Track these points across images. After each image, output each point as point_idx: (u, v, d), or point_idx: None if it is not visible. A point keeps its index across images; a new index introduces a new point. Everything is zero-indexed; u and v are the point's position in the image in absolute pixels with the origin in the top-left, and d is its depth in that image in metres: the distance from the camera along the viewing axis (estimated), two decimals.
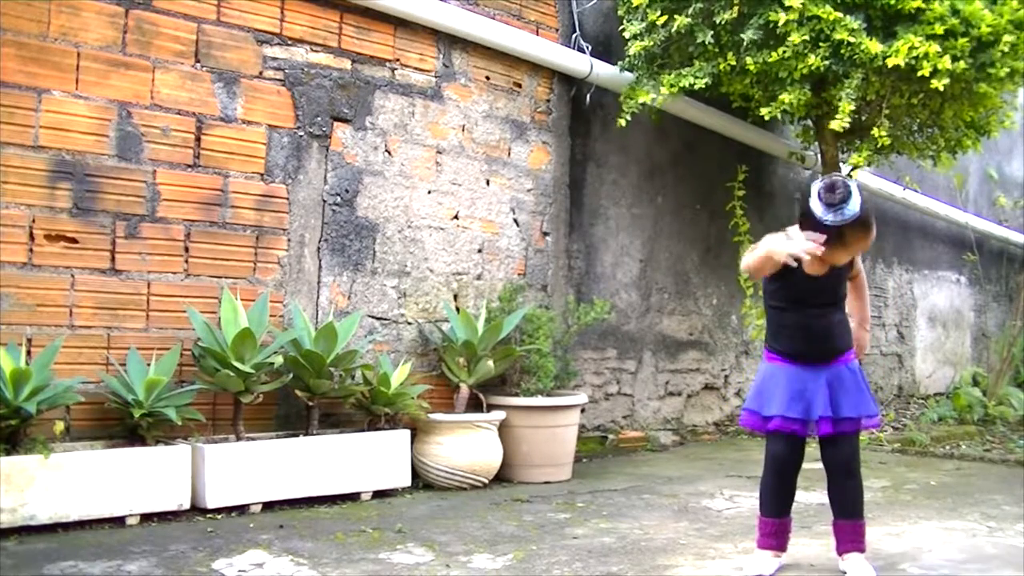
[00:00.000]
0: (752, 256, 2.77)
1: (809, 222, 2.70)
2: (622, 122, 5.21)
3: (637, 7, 5.12)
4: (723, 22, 4.85)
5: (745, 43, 4.82)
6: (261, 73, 4.09)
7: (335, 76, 4.32)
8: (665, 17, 4.98)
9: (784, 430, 2.85)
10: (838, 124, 4.82)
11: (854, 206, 2.67)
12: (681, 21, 4.89)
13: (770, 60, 4.83)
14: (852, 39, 4.63)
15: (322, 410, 4.04)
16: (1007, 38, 4.72)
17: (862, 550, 2.88)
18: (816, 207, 2.69)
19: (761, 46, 4.87)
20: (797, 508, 3.88)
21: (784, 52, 4.76)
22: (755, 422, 2.92)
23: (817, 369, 2.86)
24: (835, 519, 2.93)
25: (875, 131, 4.99)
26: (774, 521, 2.96)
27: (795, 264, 2.67)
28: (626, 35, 5.15)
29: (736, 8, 4.81)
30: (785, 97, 4.88)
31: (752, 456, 5.40)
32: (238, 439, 3.78)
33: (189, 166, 3.89)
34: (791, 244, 2.67)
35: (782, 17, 4.69)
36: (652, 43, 5.07)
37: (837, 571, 2.95)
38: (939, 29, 4.61)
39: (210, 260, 3.93)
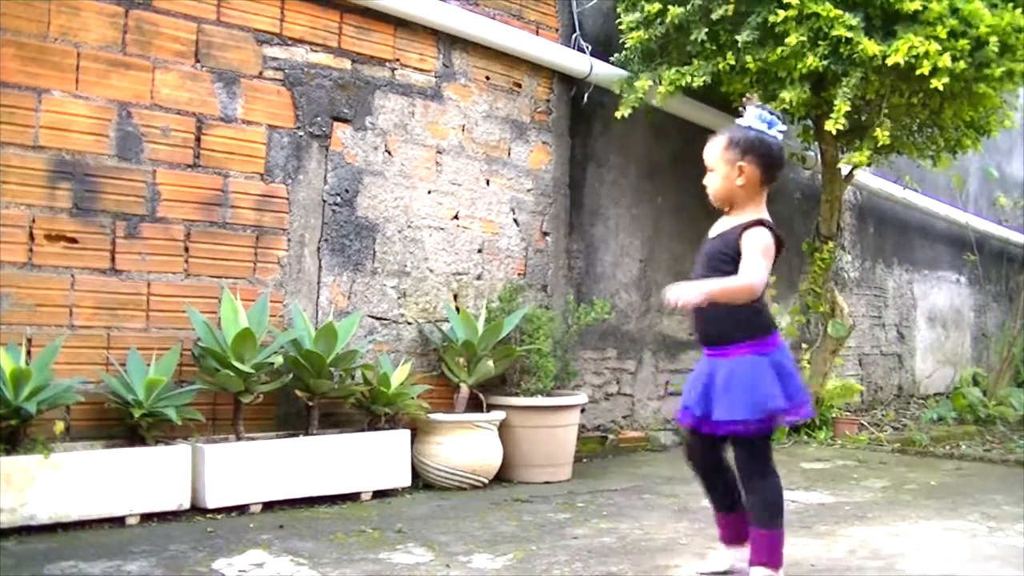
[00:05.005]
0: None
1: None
2: (620, 114, 5.15)
3: (635, 2, 5.12)
4: (720, 19, 4.85)
5: (741, 44, 4.82)
6: (261, 73, 4.09)
7: (335, 76, 4.32)
8: (659, 6, 4.95)
9: (681, 422, 2.79)
10: (833, 125, 4.82)
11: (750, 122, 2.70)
12: (674, 12, 4.88)
13: (770, 59, 4.82)
14: (851, 35, 4.63)
15: (322, 410, 4.04)
16: (992, 40, 4.71)
17: (768, 565, 2.63)
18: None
19: (759, 45, 4.86)
20: (797, 508, 3.90)
21: (783, 52, 4.76)
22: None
23: (709, 360, 2.69)
24: (748, 524, 2.75)
25: (876, 131, 4.99)
26: (716, 515, 2.87)
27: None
28: (622, 27, 5.15)
29: (732, 5, 4.80)
30: (784, 95, 4.88)
31: None
32: (238, 439, 3.78)
33: (189, 166, 3.89)
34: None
35: (780, 15, 4.68)
36: (649, 37, 5.06)
37: (837, 571, 2.95)
38: (942, 33, 4.60)
39: (210, 260, 3.93)
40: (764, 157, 2.68)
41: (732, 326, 2.64)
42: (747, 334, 2.64)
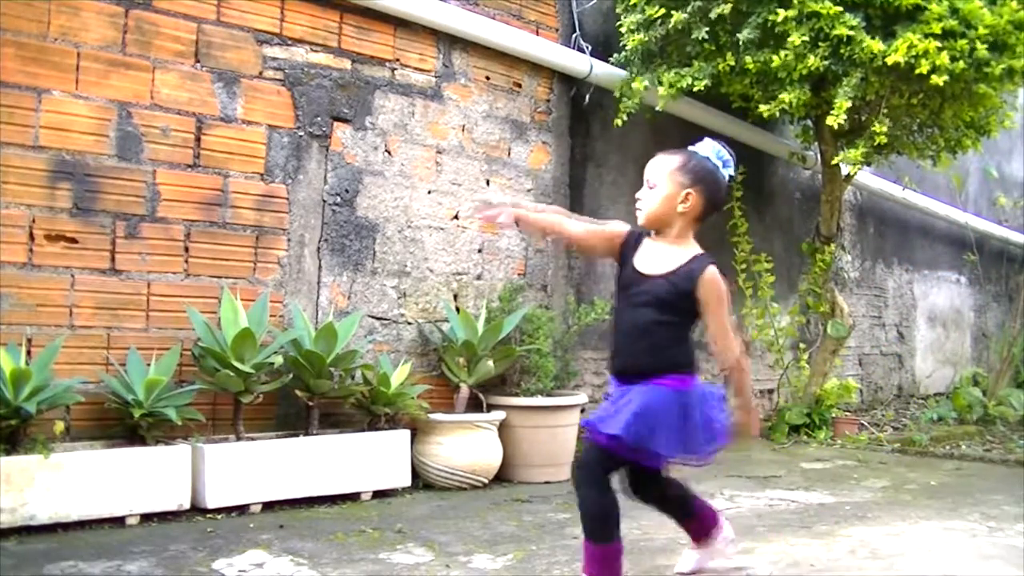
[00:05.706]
0: None
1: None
2: (619, 122, 5.21)
3: (635, 5, 5.12)
4: (719, 18, 4.85)
5: (742, 43, 4.83)
6: (261, 73, 4.09)
7: (335, 76, 4.32)
8: (662, 11, 4.97)
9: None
10: (834, 120, 4.82)
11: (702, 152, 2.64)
12: (678, 17, 4.89)
13: (772, 64, 4.82)
14: (852, 34, 4.64)
15: (322, 410, 4.04)
16: (990, 39, 4.72)
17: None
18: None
19: (760, 45, 4.87)
20: (797, 508, 3.91)
21: (785, 56, 4.77)
22: None
23: (622, 388, 2.54)
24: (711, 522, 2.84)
25: (875, 127, 4.99)
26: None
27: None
28: (623, 30, 5.15)
29: (732, 4, 4.80)
30: (785, 96, 4.88)
31: (752, 456, 5.40)
32: (238, 439, 3.78)
33: (189, 166, 3.89)
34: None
35: (781, 15, 4.69)
36: (649, 39, 5.07)
37: (837, 571, 2.95)
38: (936, 28, 4.62)
39: (210, 260, 3.93)
40: (712, 193, 2.59)
41: (657, 361, 2.52)
42: (669, 369, 2.52)
